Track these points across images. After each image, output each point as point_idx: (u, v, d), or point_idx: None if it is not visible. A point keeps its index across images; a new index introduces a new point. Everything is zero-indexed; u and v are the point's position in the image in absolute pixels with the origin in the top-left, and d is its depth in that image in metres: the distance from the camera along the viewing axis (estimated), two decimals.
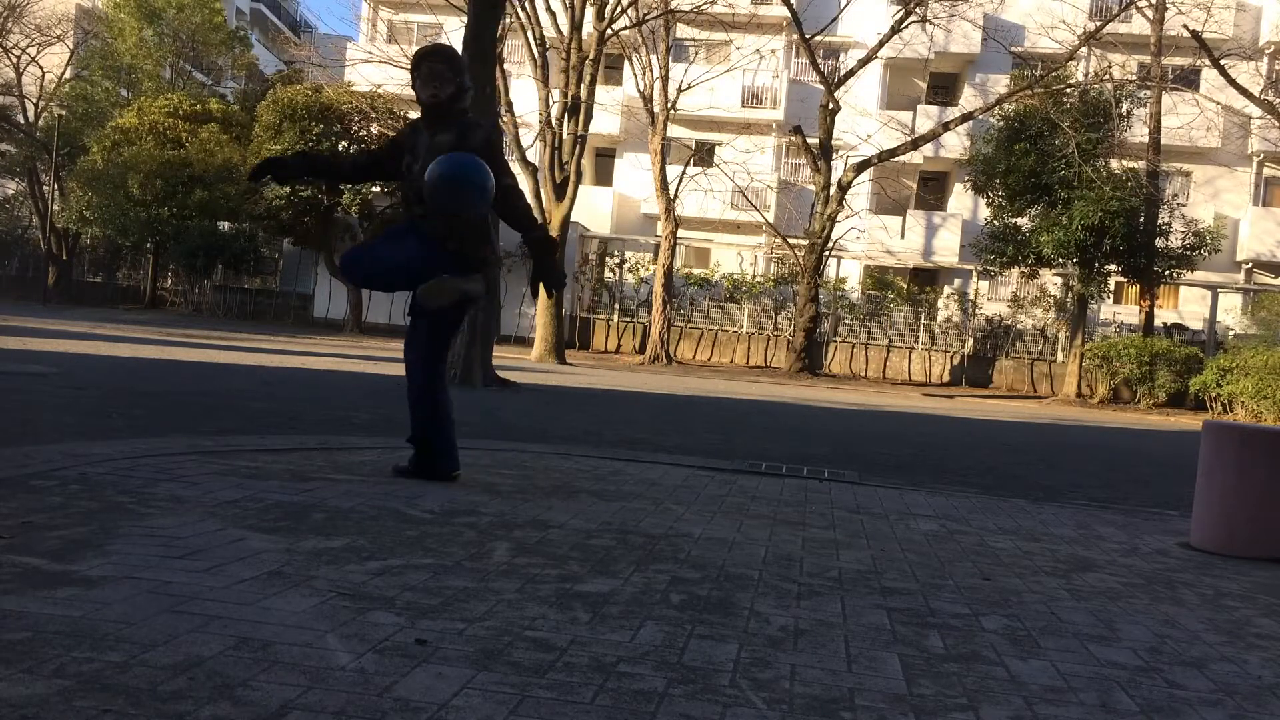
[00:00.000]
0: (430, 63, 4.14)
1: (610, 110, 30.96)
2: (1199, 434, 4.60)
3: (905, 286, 28.53)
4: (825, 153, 24.39)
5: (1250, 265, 30.60)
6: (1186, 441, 12.88)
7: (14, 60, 34.25)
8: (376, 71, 26.69)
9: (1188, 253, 23.41)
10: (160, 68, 35.68)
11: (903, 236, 31.50)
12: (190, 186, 28.37)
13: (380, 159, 4.40)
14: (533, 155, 23.54)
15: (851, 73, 24.98)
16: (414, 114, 27.74)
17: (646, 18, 24.19)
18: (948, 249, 30.97)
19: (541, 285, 4.28)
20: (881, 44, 24.26)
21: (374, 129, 26.91)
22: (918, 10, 23.88)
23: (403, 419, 4.49)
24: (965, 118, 24.81)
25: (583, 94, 22.53)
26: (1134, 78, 25.25)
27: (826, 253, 25.12)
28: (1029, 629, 2.78)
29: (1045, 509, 5.34)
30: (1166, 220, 23.89)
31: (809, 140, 25.30)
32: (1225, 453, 4.37)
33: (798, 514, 4.43)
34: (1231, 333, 26.90)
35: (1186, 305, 29.65)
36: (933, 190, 33.87)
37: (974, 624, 2.78)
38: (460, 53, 4.45)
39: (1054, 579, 3.50)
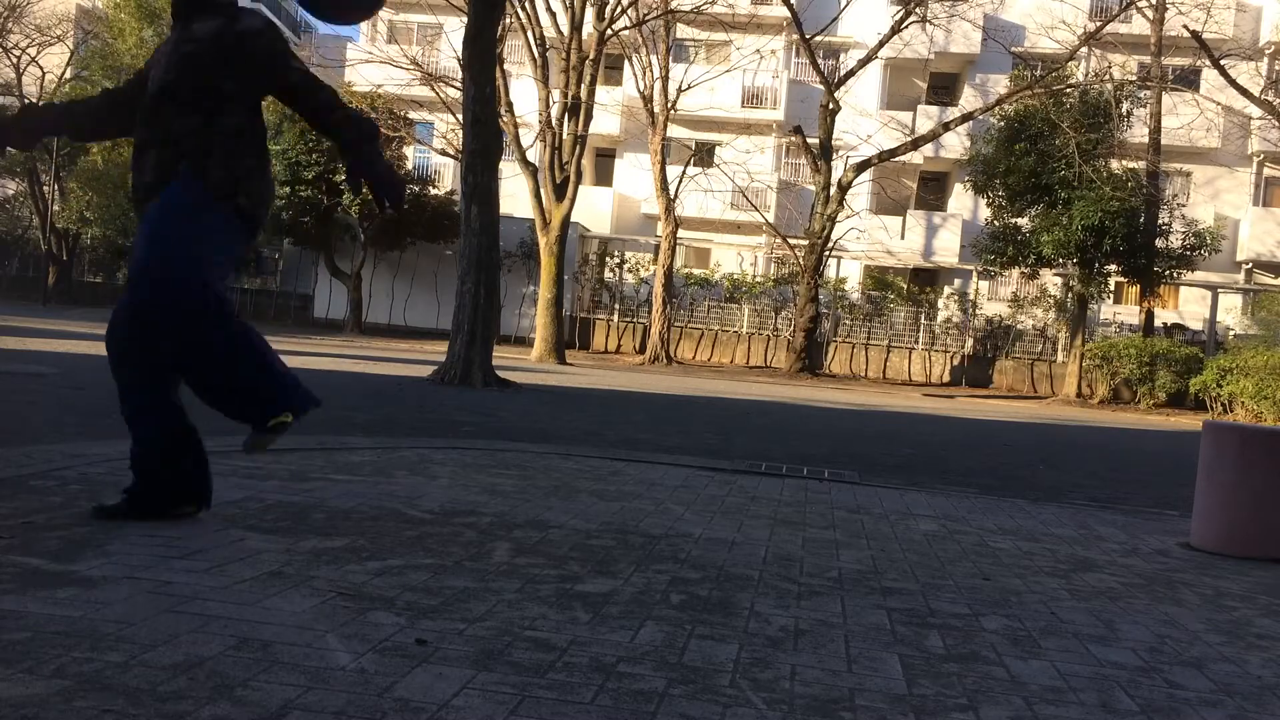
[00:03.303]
0: None
1: (610, 110, 30.94)
2: (1199, 434, 4.60)
3: (905, 287, 28.51)
4: (825, 153, 24.38)
5: (1250, 265, 30.59)
6: (1186, 441, 12.88)
7: (14, 60, 34.23)
8: (377, 72, 26.68)
9: (1188, 253, 23.40)
10: None
11: (903, 236, 31.48)
12: None
13: (131, 94, 3.28)
14: (533, 155, 23.54)
15: (851, 73, 24.97)
16: (414, 114, 27.48)
17: (646, 18, 24.17)
18: (948, 249, 30.95)
19: (371, 193, 3.13)
20: (881, 44, 24.25)
21: None
22: (918, 10, 23.87)
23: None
24: (965, 118, 24.80)
25: (583, 94, 22.53)
26: (1134, 78, 25.20)
27: (826, 253, 25.10)
28: (1029, 629, 2.78)
29: (1045, 509, 5.34)
30: (1166, 220, 23.88)
31: (809, 140, 25.29)
32: (1225, 453, 4.37)
33: (798, 514, 4.43)
34: (1232, 333, 26.88)
35: (1186, 305, 29.64)
36: (933, 190, 33.85)
37: (974, 624, 2.78)
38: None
39: (1054, 579, 3.50)
